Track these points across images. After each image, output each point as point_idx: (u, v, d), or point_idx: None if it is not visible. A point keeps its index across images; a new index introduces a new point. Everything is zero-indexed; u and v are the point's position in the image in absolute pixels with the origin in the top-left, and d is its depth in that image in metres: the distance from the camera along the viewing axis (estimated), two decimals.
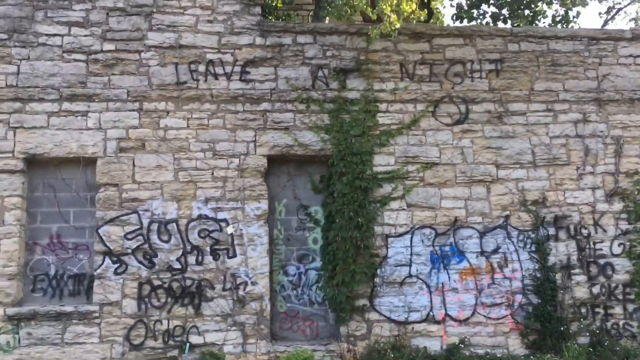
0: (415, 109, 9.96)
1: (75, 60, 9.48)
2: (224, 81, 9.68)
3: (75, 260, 9.30)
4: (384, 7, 8.82)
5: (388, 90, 9.94)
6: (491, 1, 13.34)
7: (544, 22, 13.92)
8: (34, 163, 9.29)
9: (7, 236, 8.96)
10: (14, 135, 9.21)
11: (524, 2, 13.07)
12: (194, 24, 9.77)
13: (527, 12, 13.43)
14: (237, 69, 9.73)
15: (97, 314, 8.92)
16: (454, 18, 13.49)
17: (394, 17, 9.00)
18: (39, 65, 9.39)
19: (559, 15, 13.48)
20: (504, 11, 13.24)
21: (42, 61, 9.41)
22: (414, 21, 10.17)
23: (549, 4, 12.53)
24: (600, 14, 13.99)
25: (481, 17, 13.48)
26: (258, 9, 9.96)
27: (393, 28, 9.11)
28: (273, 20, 10.67)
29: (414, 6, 9.22)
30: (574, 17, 13.48)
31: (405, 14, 9.17)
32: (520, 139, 10.02)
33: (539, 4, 12.94)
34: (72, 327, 8.88)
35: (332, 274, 9.32)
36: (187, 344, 8.87)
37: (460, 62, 10.18)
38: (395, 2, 8.88)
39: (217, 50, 9.75)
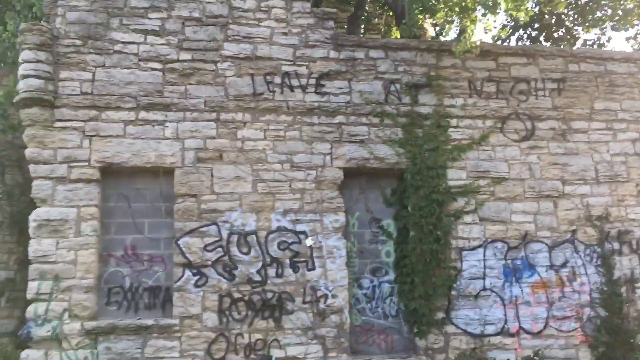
0: (484, 124, 10.14)
1: (152, 69, 9.33)
2: (300, 93, 9.67)
3: (151, 273, 9.07)
4: (468, 24, 8.99)
5: (458, 106, 10.10)
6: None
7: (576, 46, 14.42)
8: (106, 173, 9.05)
9: (84, 247, 8.68)
10: (90, 144, 8.97)
11: (562, 27, 13.55)
12: (269, 36, 9.76)
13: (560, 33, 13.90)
14: (312, 81, 9.74)
15: (177, 328, 8.69)
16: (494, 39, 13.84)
17: (470, 29, 9.17)
18: (115, 73, 9.20)
19: (593, 40, 14.01)
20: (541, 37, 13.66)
21: (118, 69, 9.23)
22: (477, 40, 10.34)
23: (587, 26, 12.97)
24: (627, 39, 14.50)
25: (521, 40, 13.87)
26: (331, 23, 10.02)
27: (474, 45, 9.30)
28: (346, 33, 10.64)
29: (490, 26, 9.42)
30: (605, 41, 14.02)
31: (489, 32, 9.37)
32: (584, 155, 10.31)
33: (577, 28, 13.41)
34: (153, 341, 8.62)
35: (410, 287, 9.31)
36: (273, 358, 8.71)
37: (525, 80, 10.44)
38: (477, 18, 9.07)
39: (292, 62, 9.74)
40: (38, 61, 8.87)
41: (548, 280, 9.81)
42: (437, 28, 13.95)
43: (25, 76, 8.80)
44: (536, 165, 10.15)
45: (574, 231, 10.03)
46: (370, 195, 9.92)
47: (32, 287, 8.49)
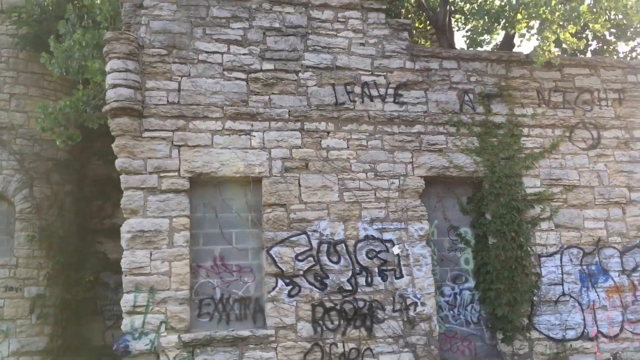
0: (554, 133, 10.39)
1: (236, 78, 9.31)
2: (379, 103, 9.77)
3: (240, 283, 8.98)
4: (549, 35, 9.22)
5: (529, 115, 10.33)
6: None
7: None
8: (194, 183, 8.96)
9: (178, 258, 8.56)
10: (179, 154, 8.88)
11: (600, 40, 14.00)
12: (347, 47, 9.84)
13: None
14: (391, 91, 9.85)
15: (273, 338, 8.62)
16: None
17: (552, 37, 9.40)
18: (201, 83, 9.15)
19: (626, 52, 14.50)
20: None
21: (203, 78, 9.18)
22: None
23: (627, 39, 13.38)
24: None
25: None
26: (406, 34, 10.16)
27: (552, 55, 9.54)
28: (421, 44, 10.78)
29: (568, 35, 9.67)
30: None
31: (569, 43, 9.62)
32: None
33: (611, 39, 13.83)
34: (250, 353, 8.52)
35: (496, 293, 9.42)
36: None
37: (588, 90, 10.74)
38: (558, 30, 9.31)
39: (370, 72, 9.84)
40: (127, 70, 8.77)
41: (621, 284, 10.05)
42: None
43: (115, 85, 8.69)
44: (604, 173, 10.42)
45: None
46: (447, 203, 10.04)
47: (128, 299, 8.30)
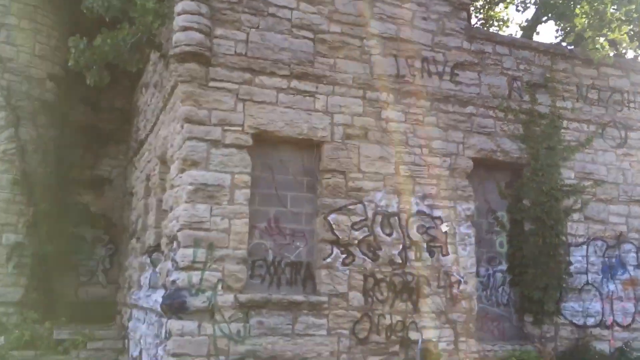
0: (588, 129, 10.76)
1: (304, 37, 9.00)
2: (437, 80, 9.75)
3: (292, 247, 8.79)
4: (616, 34, 9.50)
5: (568, 108, 10.64)
6: None
7: None
8: (255, 140, 8.63)
9: (238, 216, 8.25)
10: (244, 108, 8.51)
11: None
12: (410, 19, 9.73)
13: None
14: (448, 69, 9.86)
15: (326, 305, 8.51)
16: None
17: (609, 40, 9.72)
18: (270, 37, 8.78)
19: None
20: None
21: (272, 33, 8.81)
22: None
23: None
24: None
25: None
26: (464, 14, 10.17)
27: (607, 53, 9.85)
28: (478, 27, 10.80)
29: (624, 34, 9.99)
30: None
31: (626, 44, 9.93)
32: None
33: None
34: (303, 318, 8.37)
35: (531, 277, 9.71)
36: (419, 344, 8.77)
37: (619, 91, 11.18)
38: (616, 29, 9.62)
39: (430, 48, 9.79)
40: (200, 14, 8.29)
41: (635, 278, 10.64)
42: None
43: (186, 28, 8.19)
44: (628, 172, 10.92)
45: None
46: (487, 186, 10.20)
47: (187, 254, 7.93)
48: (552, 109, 10.48)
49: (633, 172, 10.97)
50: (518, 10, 15.68)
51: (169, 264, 8.56)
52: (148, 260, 10.54)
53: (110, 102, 15.80)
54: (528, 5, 13.85)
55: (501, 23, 15.08)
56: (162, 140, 10.12)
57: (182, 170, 8.30)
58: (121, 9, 9.57)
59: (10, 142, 13.83)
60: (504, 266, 10.08)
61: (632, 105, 11.23)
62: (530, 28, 13.02)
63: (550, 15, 12.22)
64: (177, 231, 8.19)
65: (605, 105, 11.01)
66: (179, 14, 8.29)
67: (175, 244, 8.30)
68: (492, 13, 15.41)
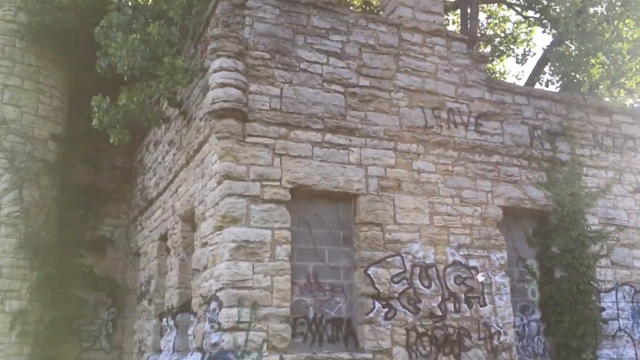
0: (607, 175, 10.94)
1: (335, 91, 9.06)
2: (462, 130, 9.86)
3: (332, 303, 8.58)
4: (631, 84, 9.80)
5: (587, 155, 10.83)
6: None
7: None
8: (292, 194, 8.53)
9: (280, 273, 8.06)
10: (280, 163, 8.44)
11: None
12: (434, 72, 9.90)
13: None
14: (472, 119, 9.99)
15: None
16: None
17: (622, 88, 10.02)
18: (303, 92, 8.81)
19: None
20: None
21: (305, 87, 8.85)
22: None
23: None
24: None
25: None
26: (483, 66, 10.39)
27: (623, 102, 10.13)
28: (497, 79, 11.02)
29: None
30: None
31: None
32: None
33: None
34: None
35: (569, 325, 9.63)
36: None
37: (632, 138, 11.46)
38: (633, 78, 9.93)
39: (454, 99, 9.94)
40: (237, 70, 8.30)
41: None
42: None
43: (224, 85, 8.17)
44: None
45: None
46: (515, 234, 10.20)
47: (231, 314, 7.66)
48: (572, 156, 10.65)
49: None
50: (518, 63, 16.22)
51: (206, 326, 8.27)
52: (171, 323, 10.16)
53: (110, 161, 15.59)
54: (527, 56, 14.34)
55: (498, 75, 15.51)
56: (186, 198, 9.93)
57: (220, 228, 8.12)
58: (144, 67, 9.52)
59: (14, 205, 13.46)
60: (537, 315, 10.00)
61: None
62: (531, 79, 13.40)
63: (553, 67, 12.57)
64: (218, 290, 7.94)
65: (620, 152, 11.24)
66: (215, 71, 8.27)
67: (214, 303, 8.03)
68: (490, 65, 15.86)
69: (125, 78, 9.63)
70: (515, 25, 16.93)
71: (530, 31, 16.57)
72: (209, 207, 8.64)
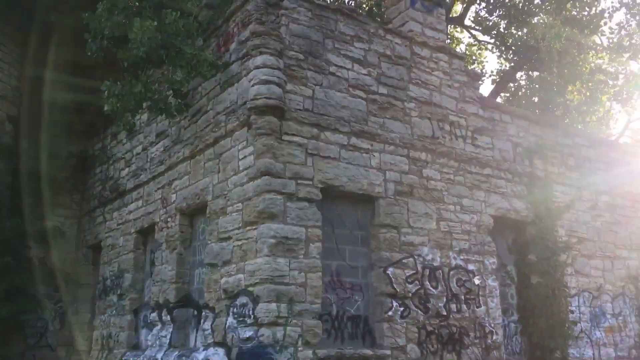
0: (570, 192, 12.10)
1: (359, 97, 9.40)
2: (462, 143, 10.54)
3: (352, 301, 8.89)
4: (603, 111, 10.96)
5: (556, 173, 11.92)
6: None
7: None
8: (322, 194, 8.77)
9: (313, 270, 8.26)
10: (312, 163, 8.65)
11: None
12: (439, 86, 10.51)
13: None
14: (469, 133, 10.70)
15: (390, 359, 8.66)
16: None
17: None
18: (332, 95, 9.07)
19: None
20: None
21: (333, 91, 9.11)
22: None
23: None
24: None
25: None
26: (478, 84, 11.17)
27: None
28: (488, 97, 11.80)
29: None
30: None
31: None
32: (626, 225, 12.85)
33: None
34: None
35: (545, 327, 10.57)
36: None
37: (588, 159, 12.75)
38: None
39: (455, 113, 10.60)
40: (278, 68, 8.41)
41: (613, 325, 11.92)
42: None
43: (267, 81, 8.27)
44: (600, 231, 12.36)
45: (623, 287, 12.36)
46: (498, 242, 11.02)
47: (271, 309, 7.76)
48: (545, 173, 11.68)
49: (604, 231, 12.42)
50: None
51: (230, 320, 8.28)
52: (167, 318, 9.96)
53: (65, 147, 14.73)
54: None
55: None
56: (192, 191, 9.80)
57: (254, 223, 8.18)
58: (160, 55, 9.30)
59: None
60: (515, 317, 10.85)
61: (601, 173, 12.79)
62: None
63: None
64: (251, 285, 7.99)
65: (581, 172, 12.46)
66: (257, 67, 8.33)
67: (244, 298, 8.08)
68: None
69: (126, 64, 9.37)
70: (467, 47, 18.15)
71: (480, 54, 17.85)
72: (235, 202, 8.64)
